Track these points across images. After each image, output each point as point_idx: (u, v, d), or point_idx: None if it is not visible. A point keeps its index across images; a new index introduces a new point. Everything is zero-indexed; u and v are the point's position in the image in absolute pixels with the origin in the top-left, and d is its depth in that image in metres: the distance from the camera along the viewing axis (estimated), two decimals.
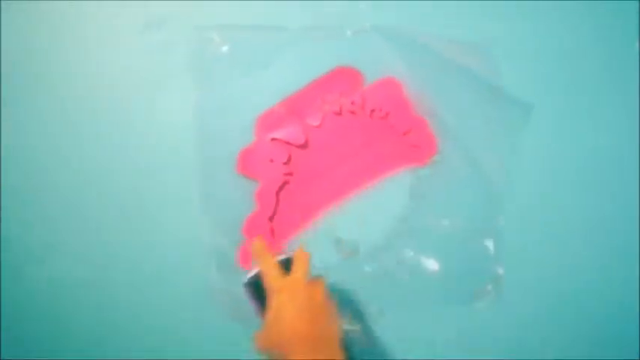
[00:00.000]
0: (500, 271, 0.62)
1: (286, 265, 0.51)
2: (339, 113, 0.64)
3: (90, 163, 0.63)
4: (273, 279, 0.50)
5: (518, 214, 0.63)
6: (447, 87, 0.64)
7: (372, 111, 0.63)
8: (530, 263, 0.63)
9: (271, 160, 0.62)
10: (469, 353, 0.61)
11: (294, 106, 0.63)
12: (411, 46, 0.64)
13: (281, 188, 0.63)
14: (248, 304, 0.52)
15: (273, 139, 0.63)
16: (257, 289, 0.52)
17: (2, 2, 0.64)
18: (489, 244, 0.63)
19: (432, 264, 0.62)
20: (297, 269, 0.51)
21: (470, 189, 0.63)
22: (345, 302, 0.61)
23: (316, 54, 0.64)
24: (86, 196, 0.63)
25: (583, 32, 0.66)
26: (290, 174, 0.63)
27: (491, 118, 0.64)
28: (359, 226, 0.63)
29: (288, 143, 0.63)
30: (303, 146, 0.63)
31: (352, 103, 0.63)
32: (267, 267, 0.51)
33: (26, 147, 0.64)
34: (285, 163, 0.62)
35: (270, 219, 0.62)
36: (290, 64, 0.64)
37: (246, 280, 0.53)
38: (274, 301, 0.49)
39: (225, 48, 0.64)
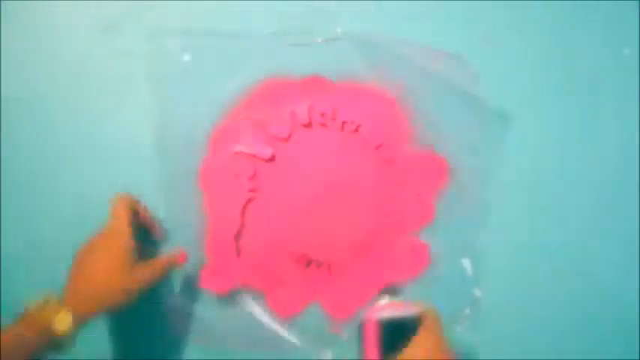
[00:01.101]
0: (478, 293, 0.59)
1: (407, 323, 0.48)
2: (309, 125, 0.60)
3: (39, 179, 0.60)
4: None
5: (499, 231, 0.60)
6: (424, 97, 0.61)
7: (344, 123, 0.60)
8: (511, 285, 0.60)
9: (236, 175, 0.59)
10: None
11: (260, 118, 0.60)
12: (385, 54, 0.60)
13: (246, 205, 0.59)
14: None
15: (237, 153, 0.59)
16: (386, 334, 0.49)
17: None
18: (467, 264, 0.60)
19: None
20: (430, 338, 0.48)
21: (446, 203, 0.60)
22: None
23: (284, 62, 0.60)
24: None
25: (567, 41, 0.63)
26: (256, 190, 0.59)
27: (470, 129, 0.61)
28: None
29: (253, 157, 0.59)
30: (270, 160, 0.59)
31: (322, 114, 0.60)
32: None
33: None
34: (250, 179, 0.59)
35: (236, 238, 0.59)
36: (256, 72, 0.60)
37: (378, 318, 0.49)
38: None
39: (186, 56, 0.60)
